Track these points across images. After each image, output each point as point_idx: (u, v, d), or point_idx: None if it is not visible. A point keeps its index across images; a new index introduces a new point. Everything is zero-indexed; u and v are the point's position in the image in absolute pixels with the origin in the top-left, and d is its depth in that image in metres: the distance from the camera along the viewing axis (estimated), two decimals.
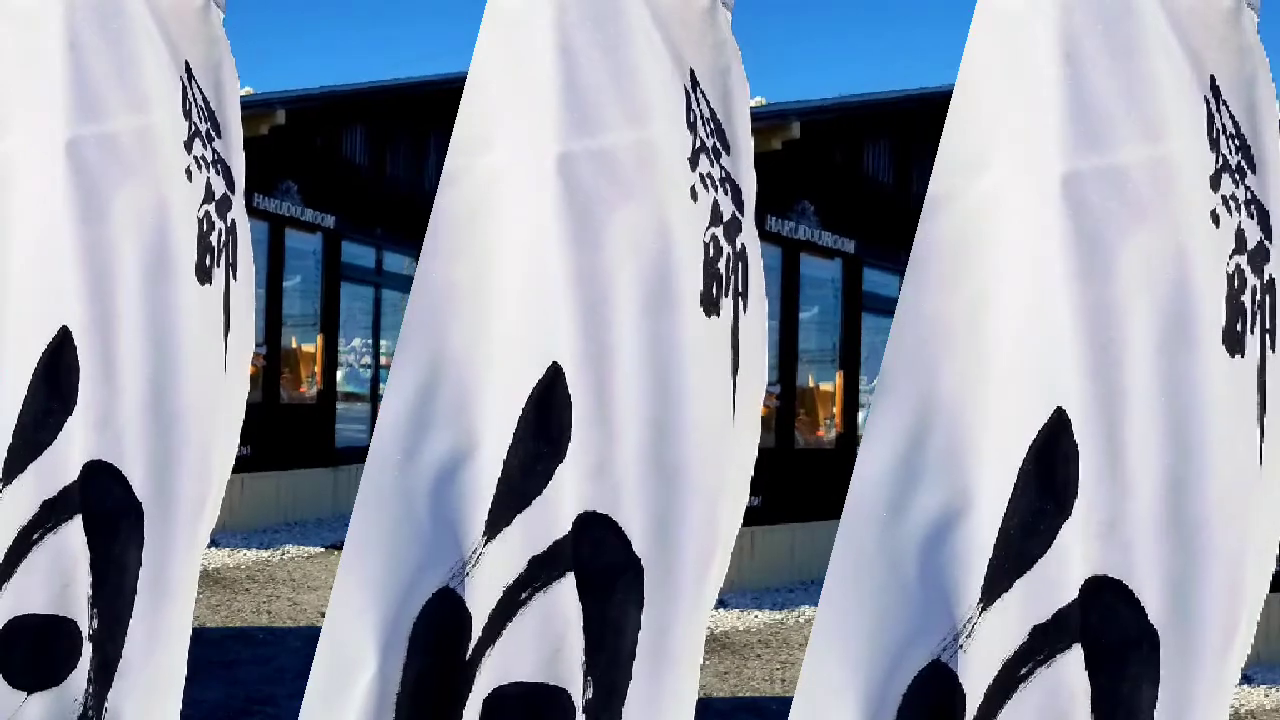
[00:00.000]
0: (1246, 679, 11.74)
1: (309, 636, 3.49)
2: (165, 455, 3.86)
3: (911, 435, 3.15)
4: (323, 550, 15.67)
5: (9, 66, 3.91)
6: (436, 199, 3.52)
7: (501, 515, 3.44)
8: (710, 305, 3.45)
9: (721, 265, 3.46)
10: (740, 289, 3.48)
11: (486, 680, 3.43)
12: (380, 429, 3.49)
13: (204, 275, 3.87)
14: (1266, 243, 3.12)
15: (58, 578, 3.86)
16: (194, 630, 3.93)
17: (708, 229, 3.46)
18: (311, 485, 18.07)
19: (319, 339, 18.96)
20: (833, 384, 16.60)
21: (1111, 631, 3.08)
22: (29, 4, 3.89)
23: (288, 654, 11.01)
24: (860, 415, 16.28)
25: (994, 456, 3.12)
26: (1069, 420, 3.09)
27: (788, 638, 12.99)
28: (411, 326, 3.51)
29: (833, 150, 16.62)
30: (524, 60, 3.47)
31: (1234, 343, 3.10)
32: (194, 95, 3.87)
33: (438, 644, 3.42)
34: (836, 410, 16.51)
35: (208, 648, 10.49)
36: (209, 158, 3.88)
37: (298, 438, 18.27)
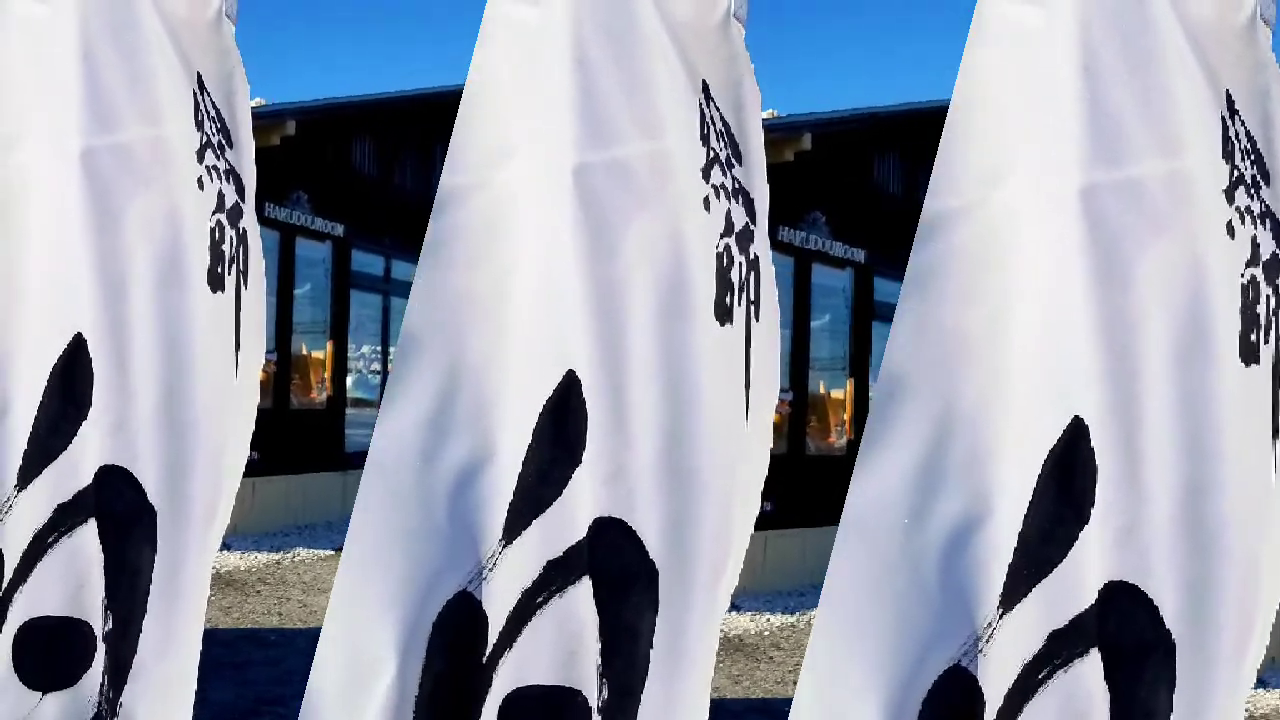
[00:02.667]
0: (1261, 683, 11.72)
1: (318, 638, 3.50)
2: (178, 460, 3.87)
3: (932, 443, 3.15)
4: (332, 553, 15.67)
5: (24, 78, 3.93)
6: (443, 207, 3.51)
7: (518, 520, 3.45)
8: (723, 314, 3.46)
9: (734, 274, 3.47)
10: (753, 298, 3.49)
11: (503, 683, 3.44)
12: (389, 433, 3.48)
13: (216, 283, 3.89)
14: None
15: (72, 580, 3.88)
16: (206, 631, 3.94)
17: (720, 238, 3.47)
18: (321, 489, 18.06)
19: (328, 346, 18.97)
20: (843, 391, 16.59)
21: (1128, 636, 3.09)
22: (43, 16, 3.90)
23: (298, 655, 11.00)
24: None
25: (1014, 464, 3.13)
26: (1087, 428, 3.10)
27: (799, 640, 12.99)
28: (422, 333, 3.50)
29: (844, 161, 16.61)
30: (539, 72, 3.48)
31: (1249, 352, 3.11)
32: (206, 106, 3.89)
33: (456, 647, 3.43)
34: (847, 417, 16.51)
35: (219, 649, 10.50)
36: (221, 168, 3.90)
37: (308, 443, 18.28)
